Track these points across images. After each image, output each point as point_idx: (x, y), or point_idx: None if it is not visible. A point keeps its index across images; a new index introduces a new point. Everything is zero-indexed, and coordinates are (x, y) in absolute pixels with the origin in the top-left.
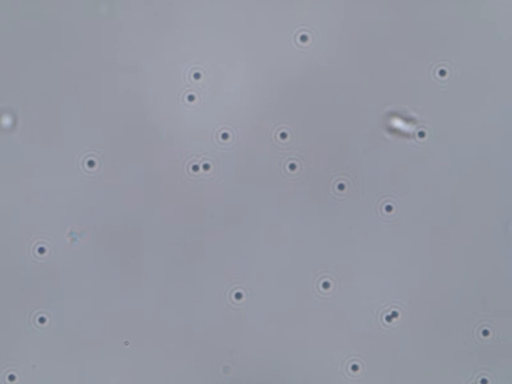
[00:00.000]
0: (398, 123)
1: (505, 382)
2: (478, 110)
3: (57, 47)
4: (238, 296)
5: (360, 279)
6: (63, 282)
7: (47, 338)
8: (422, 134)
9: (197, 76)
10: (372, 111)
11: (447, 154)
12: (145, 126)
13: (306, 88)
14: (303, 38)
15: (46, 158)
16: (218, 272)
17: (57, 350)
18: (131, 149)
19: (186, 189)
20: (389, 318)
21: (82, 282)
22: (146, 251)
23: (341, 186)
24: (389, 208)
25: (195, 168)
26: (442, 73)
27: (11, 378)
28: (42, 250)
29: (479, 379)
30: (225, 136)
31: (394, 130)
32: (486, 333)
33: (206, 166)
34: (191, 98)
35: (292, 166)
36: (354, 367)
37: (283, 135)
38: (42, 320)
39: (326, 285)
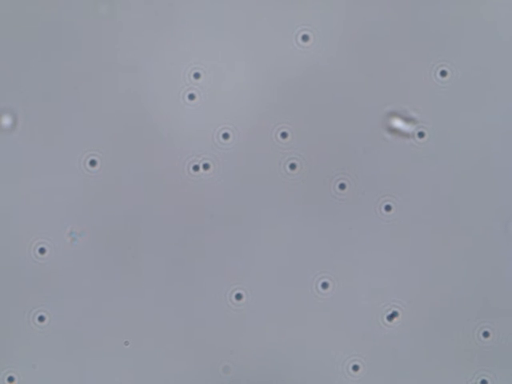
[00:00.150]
0: (397, 123)
1: (505, 383)
2: (478, 110)
3: (57, 47)
4: (238, 296)
5: (360, 279)
6: (63, 282)
7: (47, 338)
8: (421, 134)
9: (197, 76)
10: (372, 111)
11: (447, 154)
12: (145, 125)
13: (307, 88)
14: (305, 38)
15: (46, 158)
16: (218, 272)
17: (57, 350)
18: (131, 149)
19: (186, 189)
20: (390, 318)
21: (82, 282)
22: (145, 251)
23: (341, 186)
24: (388, 208)
25: (195, 168)
26: (443, 73)
27: (10, 379)
28: (42, 250)
29: (479, 380)
30: (225, 136)
31: (393, 130)
32: (486, 334)
33: (206, 166)
34: (191, 97)
35: (292, 166)
36: (355, 367)
37: (283, 135)
38: (41, 319)
39: (325, 285)
